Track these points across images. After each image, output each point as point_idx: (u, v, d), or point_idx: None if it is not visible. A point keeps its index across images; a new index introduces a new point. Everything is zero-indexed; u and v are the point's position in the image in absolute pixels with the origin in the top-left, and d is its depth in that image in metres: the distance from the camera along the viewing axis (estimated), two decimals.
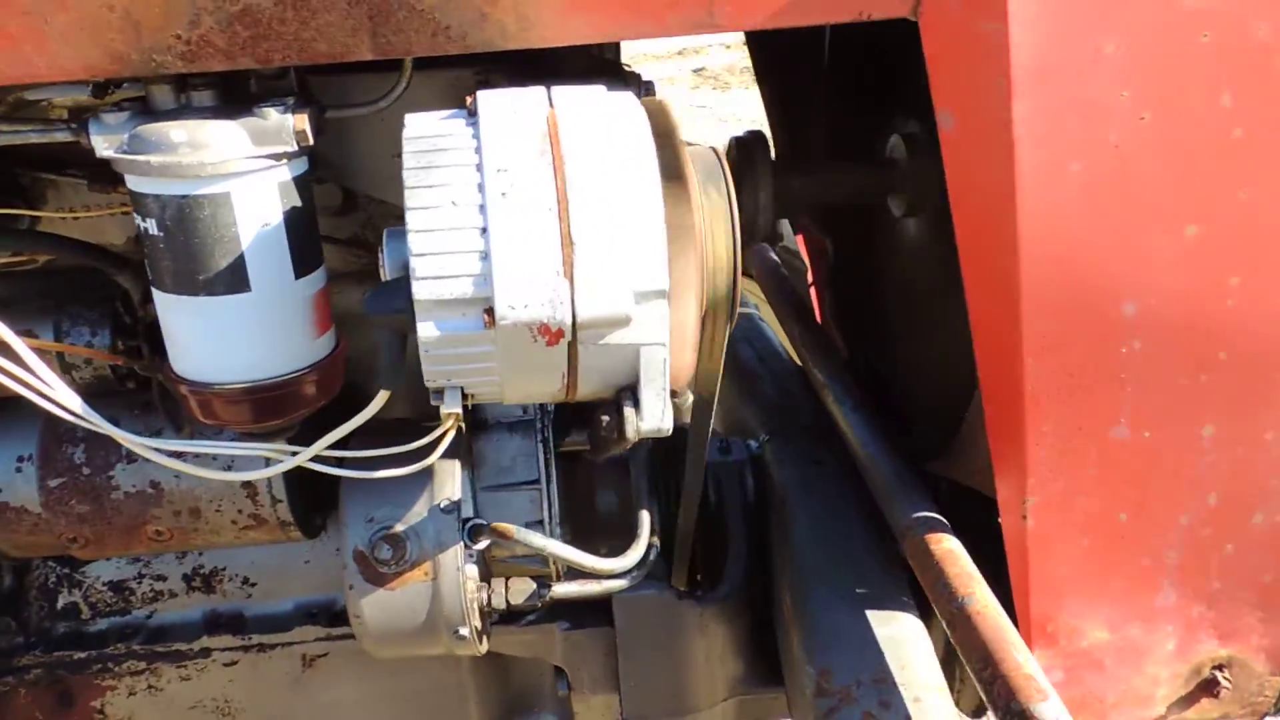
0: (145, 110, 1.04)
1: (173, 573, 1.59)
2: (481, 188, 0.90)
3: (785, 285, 2.30)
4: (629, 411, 0.97)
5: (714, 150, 1.04)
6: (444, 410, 0.97)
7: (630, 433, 0.97)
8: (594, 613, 1.62)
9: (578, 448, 1.45)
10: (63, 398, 1.06)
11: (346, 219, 1.41)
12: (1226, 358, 1.18)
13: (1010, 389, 1.21)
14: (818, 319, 2.47)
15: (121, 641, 1.57)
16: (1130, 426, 1.22)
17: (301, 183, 1.09)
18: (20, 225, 1.28)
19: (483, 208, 0.89)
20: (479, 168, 0.91)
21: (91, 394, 1.33)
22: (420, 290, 0.89)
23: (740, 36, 3.32)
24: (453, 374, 0.95)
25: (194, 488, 1.36)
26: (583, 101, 0.97)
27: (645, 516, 1.33)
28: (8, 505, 1.36)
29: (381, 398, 1.03)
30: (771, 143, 1.86)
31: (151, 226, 1.04)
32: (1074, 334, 1.16)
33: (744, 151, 1.65)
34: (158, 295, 1.09)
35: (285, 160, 1.05)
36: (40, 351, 1.16)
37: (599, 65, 1.22)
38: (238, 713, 1.68)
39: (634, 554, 1.29)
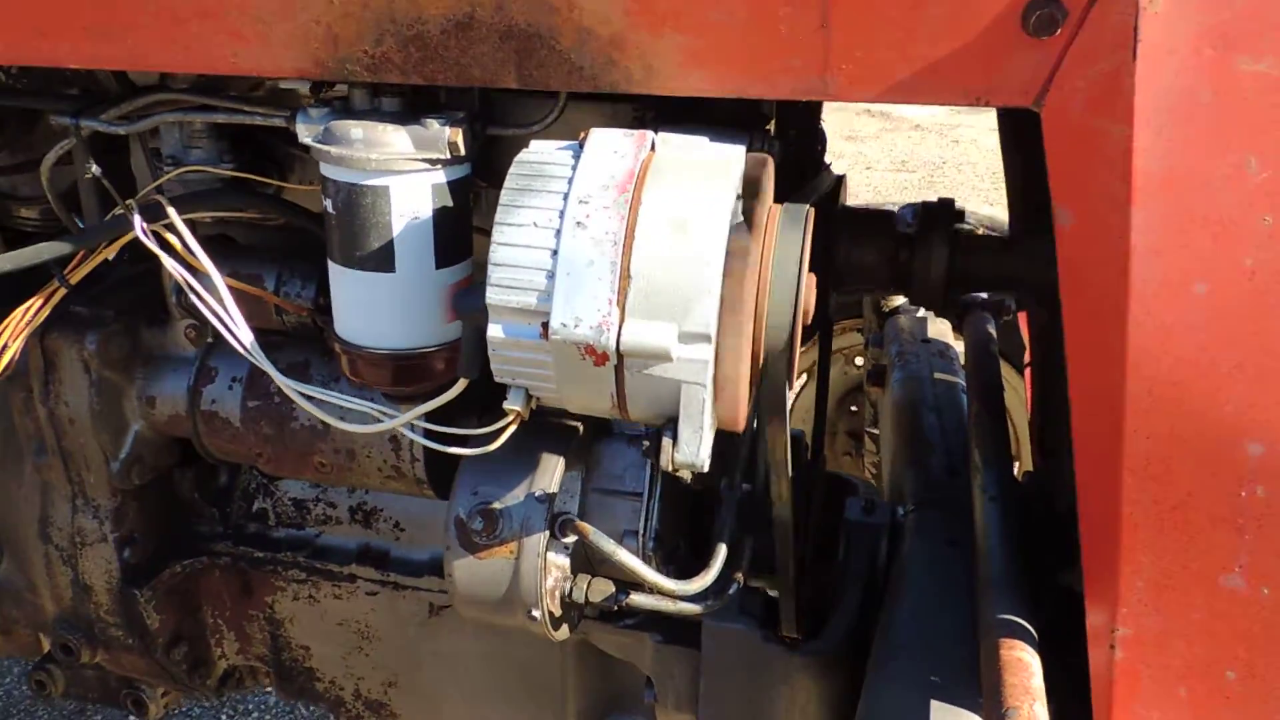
0: (345, 109, 1.24)
1: (342, 503, 1.82)
2: (563, 214, 1.00)
3: (986, 361, 2.21)
4: (666, 442, 1.03)
5: (807, 210, 1.07)
6: (507, 405, 1.08)
7: (665, 462, 1.03)
8: (687, 633, 1.67)
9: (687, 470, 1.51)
10: (240, 333, 1.29)
11: None
12: None
13: (1107, 508, 1.13)
14: (1027, 406, 2.35)
15: (292, 551, 1.82)
16: (1246, 578, 1.11)
17: (456, 186, 1.25)
18: (268, 191, 1.54)
19: (559, 232, 0.99)
20: (566, 196, 1.01)
21: (296, 337, 1.59)
22: (493, 296, 1.01)
23: None
24: (516, 374, 1.06)
25: (352, 432, 1.57)
26: (680, 148, 1.04)
27: (722, 549, 1.37)
28: (216, 414, 1.64)
29: (460, 384, 1.16)
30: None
31: (329, 206, 1.24)
32: (1183, 464, 1.07)
33: (927, 218, 1.64)
34: (330, 266, 1.29)
35: (440, 166, 1.21)
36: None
37: (750, 118, 1.28)
38: (374, 639, 1.89)
39: (699, 581, 1.33)
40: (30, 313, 1.55)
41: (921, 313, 2.84)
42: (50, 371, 1.64)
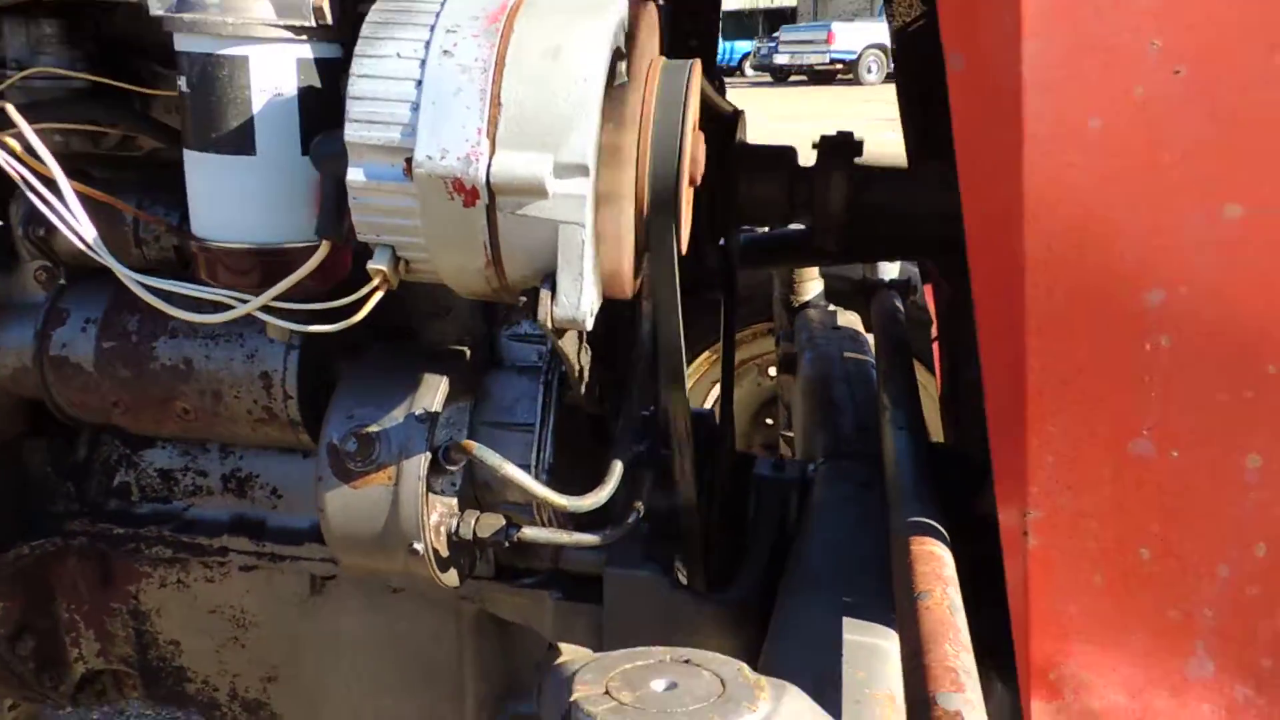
0: None
1: (214, 470, 1.68)
2: (428, 45, 0.92)
3: (893, 328, 2.19)
4: (544, 295, 0.95)
5: (689, 64, 1.01)
6: (371, 266, 0.99)
7: (543, 316, 0.95)
8: (589, 589, 1.57)
9: (575, 402, 1.42)
10: (84, 229, 1.17)
11: None
12: (1277, 372, 1.00)
13: (1011, 377, 1.08)
14: (937, 375, 2.33)
15: (157, 525, 1.66)
16: (1155, 442, 1.06)
17: (325, 67, 1.16)
18: (130, 104, 1.43)
19: (424, 63, 0.92)
20: (432, 28, 0.94)
21: (153, 270, 1.46)
22: (351, 132, 0.93)
23: None
24: (380, 228, 0.97)
25: (218, 370, 1.45)
26: None
27: (618, 465, 1.28)
28: (67, 360, 1.50)
29: (324, 248, 1.07)
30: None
31: (184, 85, 1.14)
32: (1086, 319, 1.03)
33: (826, 152, 1.61)
34: (185, 156, 1.18)
35: (307, 38, 1.12)
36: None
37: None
38: (250, 626, 1.74)
39: (593, 496, 1.24)
40: None
41: (831, 307, 2.83)
42: None
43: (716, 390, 3.38)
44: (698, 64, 1.02)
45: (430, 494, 1.31)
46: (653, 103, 0.97)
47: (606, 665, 0.72)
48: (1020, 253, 1.02)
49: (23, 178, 1.22)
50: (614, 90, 0.94)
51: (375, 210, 0.96)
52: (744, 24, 36.50)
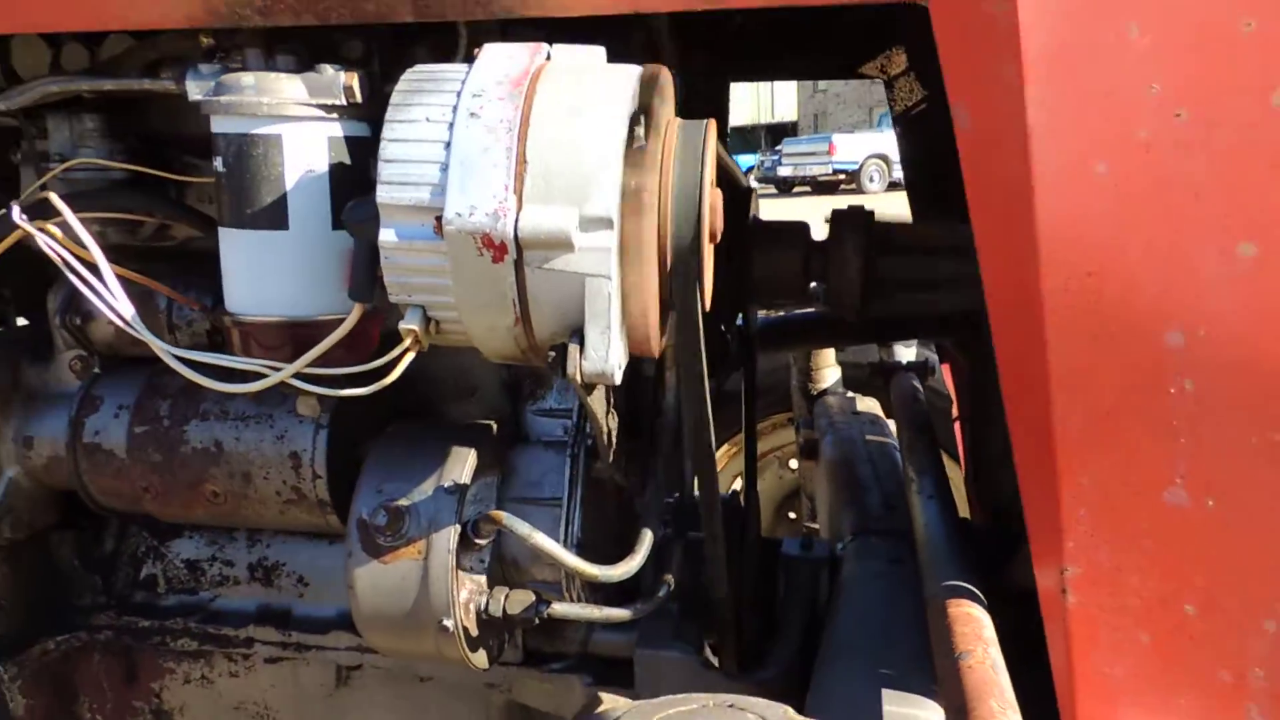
0: (237, 68, 1.21)
1: (240, 559, 1.67)
2: (455, 109, 0.97)
3: (913, 407, 2.19)
4: (573, 350, 0.96)
5: (705, 124, 1.05)
6: (403, 326, 1.01)
7: (572, 370, 0.96)
8: (620, 673, 1.53)
9: (602, 474, 1.42)
10: (122, 307, 1.20)
11: None
12: None
13: (1039, 429, 1.07)
14: (960, 456, 2.31)
15: (183, 617, 1.65)
16: (1189, 490, 1.05)
17: (355, 145, 1.21)
18: (167, 192, 1.48)
19: (451, 125, 0.96)
20: (459, 94, 0.98)
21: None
22: (383, 194, 0.96)
23: None
24: (412, 288, 1.00)
25: (248, 452, 1.46)
26: (575, 54, 1.03)
27: (647, 534, 1.27)
28: (100, 446, 1.51)
29: (356, 312, 1.09)
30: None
31: (220, 164, 1.19)
32: (1109, 365, 1.03)
33: (838, 226, 1.65)
34: (221, 231, 1.22)
35: (338, 117, 1.18)
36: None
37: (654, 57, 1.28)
38: None
39: (624, 566, 1.23)
40: None
41: (849, 393, 2.83)
42: None
43: (738, 483, 3.36)
44: (713, 122, 1.06)
45: (459, 571, 1.30)
46: (672, 157, 1.00)
47: (648, 710, 0.70)
48: (1038, 300, 1.03)
49: (65, 262, 1.26)
50: (634, 148, 0.97)
51: (407, 270, 0.98)
52: (747, 138, 37.65)
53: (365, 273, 1.05)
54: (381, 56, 1.26)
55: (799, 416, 2.94)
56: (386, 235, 0.97)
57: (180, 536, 1.70)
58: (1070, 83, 0.98)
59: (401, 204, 0.95)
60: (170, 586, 1.70)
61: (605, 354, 0.96)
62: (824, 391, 2.87)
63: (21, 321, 1.81)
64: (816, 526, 2.98)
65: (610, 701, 0.87)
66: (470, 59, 1.15)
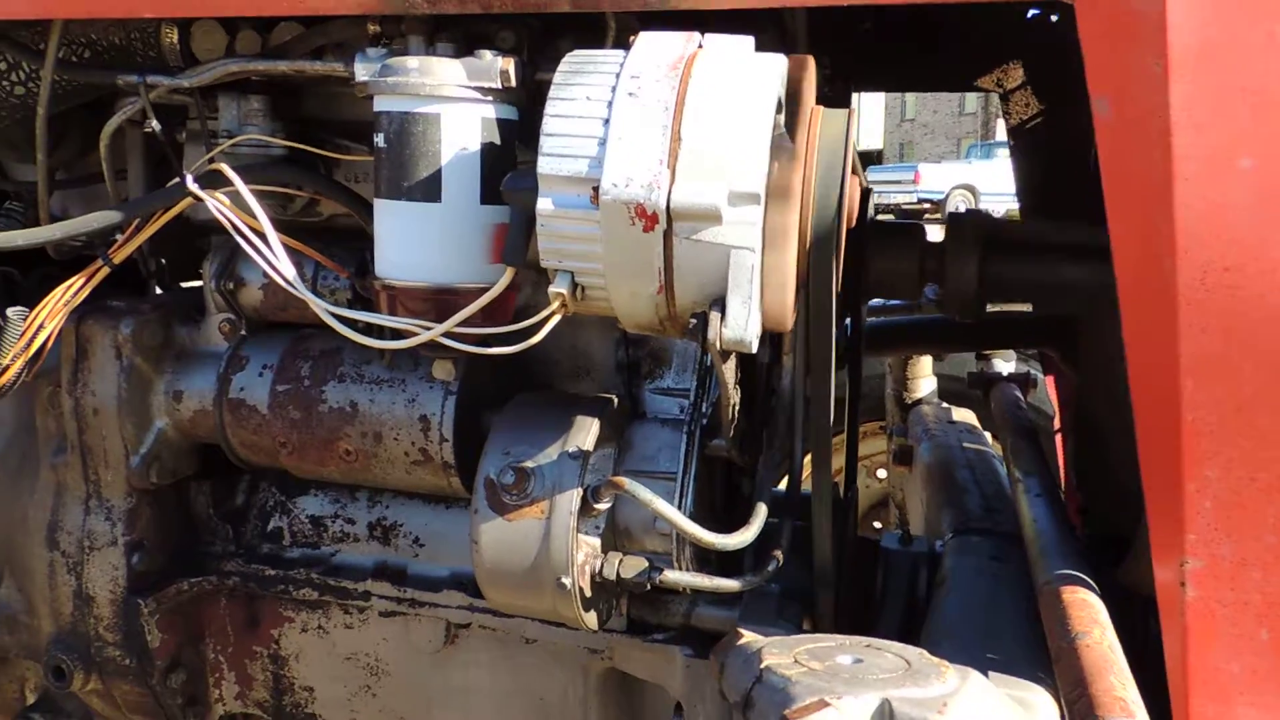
0: (400, 54, 1.30)
1: (361, 518, 1.76)
2: (614, 89, 1.03)
3: (1014, 414, 2.19)
4: (714, 317, 1.02)
5: (846, 112, 1.10)
6: (552, 289, 1.08)
7: (713, 336, 1.02)
8: None
9: (719, 452, 1.47)
10: (284, 268, 1.30)
11: None
12: None
13: (1166, 420, 1.09)
14: (1060, 465, 2.31)
15: (305, 569, 1.74)
16: None
17: (505, 126, 1.29)
18: (317, 169, 1.59)
19: (610, 103, 1.02)
20: (617, 75, 1.04)
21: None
22: (544, 165, 1.03)
23: None
24: (563, 254, 1.06)
25: (381, 413, 1.55)
26: (726, 42, 1.09)
27: (761, 507, 1.32)
28: (244, 402, 1.62)
29: (508, 275, 1.16)
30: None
31: (381, 140, 1.28)
32: (1245, 357, 1.04)
33: (956, 228, 1.67)
34: (376, 202, 1.31)
35: (491, 99, 1.26)
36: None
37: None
38: (383, 674, 1.78)
39: (740, 535, 1.27)
40: (71, 291, 1.56)
41: (944, 404, 2.84)
42: (81, 359, 1.64)
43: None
44: (854, 112, 1.11)
45: (578, 533, 1.36)
46: (815, 144, 1.05)
47: (791, 643, 0.75)
48: (1173, 292, 1.05)
49: (234, 227, 1.36)
50: (780, 132, 1.02)
51: (560, 237, 1.05)
52: None
53: (519, 239, 1.12)
54: (530, 45, 1.34)
55: (893, 424, 2.95)
56: (544, 204, 1.04)
57: (306, 494, 1.80)
58: (1216, 79, 1.00)
59: (560, 174, 1.02)
60: (294, 540, 1.80)
61: (745, 323, 1.02)
62: (919, 400, 2.88)
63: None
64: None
65: (750, 635, 0.92)
66: (618, 46, 1.22)
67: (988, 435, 2.58)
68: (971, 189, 22.40)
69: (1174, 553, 1.12)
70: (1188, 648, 1.13)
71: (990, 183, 21.99)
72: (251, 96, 1.50)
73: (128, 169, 1.69)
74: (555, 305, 1.09)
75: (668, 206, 0.99)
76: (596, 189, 1.01)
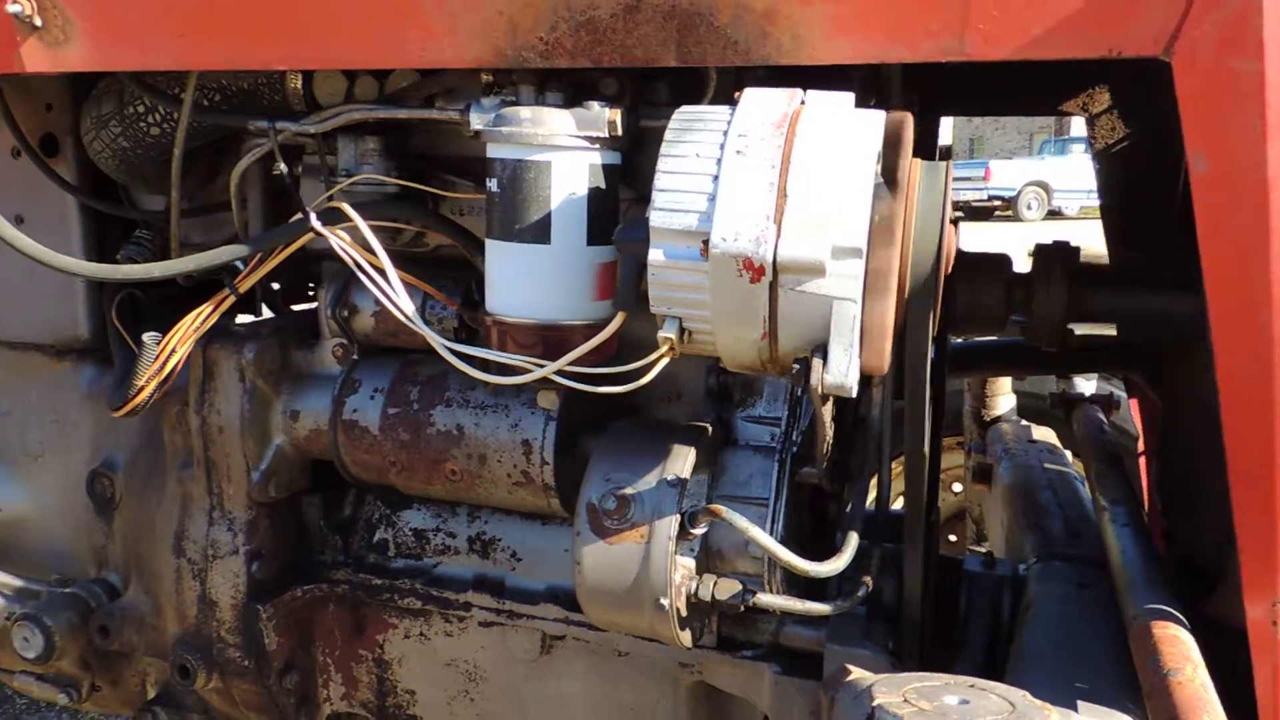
0: (512, 103, 1.38)
1: (461, 533, 1.86)
2: (723, 147, 1.10)
3: (1099, 438, 2.20)
4: (816, 363, 1.08)
5: (944, 165, 1.15)
6: (661, 335, 1.15)
7: (815, 381, 1.07)
8: (810, 665, 1.63)
9: (810, 480, 1.53)
10: (404, 305, 1.39)
11: None
12: None
13: (1261, 458, 1.12)
14: (1143, 489, 2.31)
15: (409, 579, 1.84)
16: None
17: (610, 171, 1.36)
18: (425, 205, 1.68)
19: (719, 161, 1.09)
20: (725, 133, 1.11)
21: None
22: (656, 219, 1.10)
23: None
24: (672, 301, 1.13)
25: (485, 437, 1.63)
26: (828, 100, 1.14)
27: (853, 536, 1.37)
28: (356, 424, 1.72)
29: (619, 319, 1.23)
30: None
31: (494, 185, 1.36)
32: None
33: (1043, 258, 1.70)
34: (488, 244, 1.40)
35: (599, 147, 1.33)
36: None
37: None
38: (481, 681, 1.87)
39: (833, 563, 1.33)
40: (200, 319, 1.68)
41: (1023, 422, 2.84)
42: (208, 380, 1.76)
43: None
44: (950, 165, 1.15)
45: (674, 557, 1.43)
46: (915, 194, 1.10)
47: (899, 681, 0.80)
48: (1270, 337, 1.07)
49: (355, 263, 1.46)
50: (881, 185, 1.08)
51: (670, 285, 1.12)
52: None
53: (630, 286, 1.19)
54: (632, 91, 1.41)
55: (970, 441, 2.96)
56: (655, 255, 1.11)
57: (409, 507, 1.90)
58: None
59: (672, 228, 1.09)
60: (399, 551, 1.90)
61: (846, 370, 1.07)
62: (998, 418, 2.89)
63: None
64: (981, 550, 2.99)
65: (858, 672, 0.97)
66: (717, 98, 1.28)
67: (1068, 454, 2.58)
68: (1044, 186, 21.95)
69: (1266, 592, 1.14)
70: None
71: (1064, 179, 21.49)
72: (368, 137, 1.60)
73: (247, 201, 1.80)
74: (664, 349, 1.16)
75: (774, 260, 1.05)
76: (706, 242, 1.07)
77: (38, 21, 1.43)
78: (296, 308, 2.05)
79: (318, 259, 1.78)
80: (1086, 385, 2.71)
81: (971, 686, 0.82)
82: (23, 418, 2.12)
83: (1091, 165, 2.25)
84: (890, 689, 0.79)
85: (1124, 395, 2.51)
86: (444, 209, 1.74)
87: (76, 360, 2.06)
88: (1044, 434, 2.73)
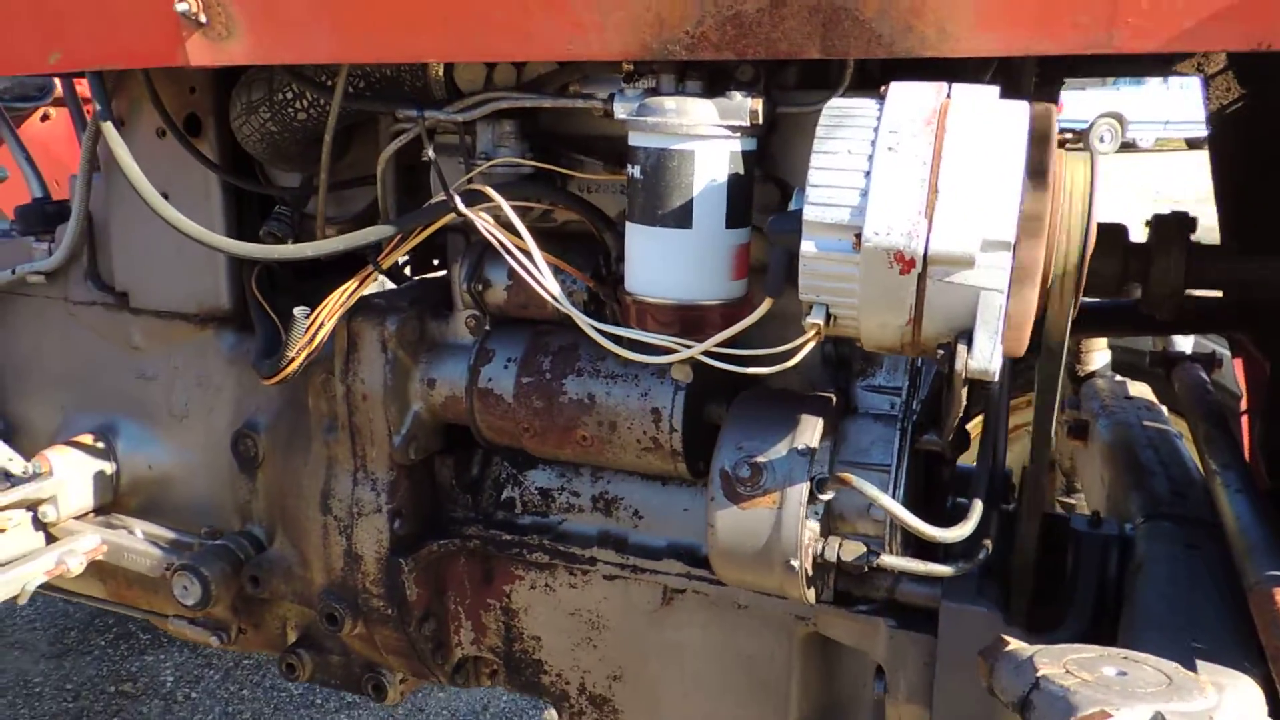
0: (654, 92, 1.44)
1: (585, 491, 1.96)
2: (874, 143, 1.15)
3: (1206, 399, 2.22)
4: (961, 349, 1.14)
5: (1089, 156, 1.19)
6: (807, 322, 1.22)
7: (960, 366, 1.14)
8: (923, 620, 1.71)
9: (932, 447, 1.60)
10: (549, 284, 1.47)
11: None
12: None
13: None
14: (1245, 450, 2.33)
15: (536, 535, 1.96)
16: None
17: (748, 157, 1.42)
18: (556, 184, 1.76)
19: (871, 157, 1.14)
20: (875, 129, 1.16)
21: (566, 326, 1.76)
22: (809, 213, 1.16)
23: None
24: (821, 290, 1.20)
25: (616, 405, 1.73)
26: (975, 94, 1.19)
27: (978, 503, 1.44)
28: (491, 391, 1.83)
29: (766, 304, 1.31)
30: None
31: (636, 172, 1.43)
32: None
33: (1161, 228, 1.72)
34: (629, 226, 1.47)
35: (739, 135, 1.39)
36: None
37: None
38: (604, 629, 1.99)
39: (959, 529, 1.40)
40: (346, 294, 1.79)
41: (1118, 377, 2.85)
42: (352, 351, 1.87)
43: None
44: (1096, 158, 1.19)
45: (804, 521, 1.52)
46: (1060, 189, 1.15)
47: (1057, 653, 0.88)
48: None
49: (500, 243, 1.54)
50: (1029, 179, 1.12)
51: (820, 275, 1.18)
52: None
53: (781, 274, 1.26)
54: (767, 76, 1.46)
55: (1065, 396, 2.99)
56: (807, 246, 1.17)
57: (534, 467, 2.01)
58: None
59: (824, 221, 1.15)
60: (525, 508, 2.01)
61: (990, 356, 1.13)
62: (1092, 373, 2.91)
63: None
64: (1071, 501, 3.03)
65: (1015, 644, 1.04)
66: (852, 86, 1.33)
67: (1164, 409, 2.60)
68: (1118, 117, 21.25)
69: None
70: None
71: (1139, 111, 20.79)
72: (504, 120, 1.67)
73: (379, 179, 1.88)
74: (811, 334, 1.23)
75: (925, 253, 1.11)
76: (858, 235, 1.13)
77: (203, 19, 1.52)
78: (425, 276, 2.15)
79: (442, 233, 1.87)
80: (1185, 343, 2.71)
81: (1125, 658, 0.89)
82: (168, 382, 2.27)
83: (1205, 130, 2.23)
84: (1051, 660, 0.87)
85: (1226, 353, 2.51)
86: (572, 187, 1.81)
87: (218, 327, 2.19)
88: (1140, 390, 2.75)
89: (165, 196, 1.84)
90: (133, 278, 2.22)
